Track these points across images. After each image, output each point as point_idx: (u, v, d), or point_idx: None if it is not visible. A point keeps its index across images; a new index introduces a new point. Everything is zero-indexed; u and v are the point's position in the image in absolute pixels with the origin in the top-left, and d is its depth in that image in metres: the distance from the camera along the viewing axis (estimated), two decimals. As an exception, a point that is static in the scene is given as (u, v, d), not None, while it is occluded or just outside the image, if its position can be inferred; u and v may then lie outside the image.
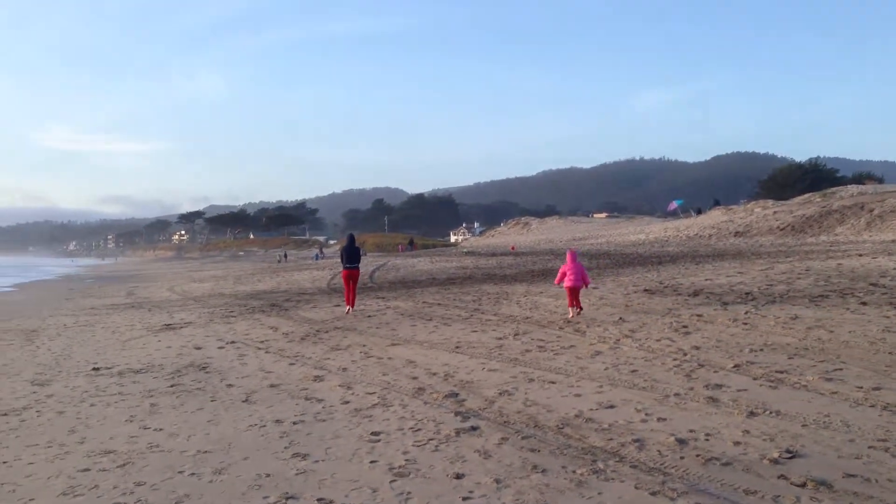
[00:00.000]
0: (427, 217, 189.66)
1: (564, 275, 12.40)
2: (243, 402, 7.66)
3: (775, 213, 40.47)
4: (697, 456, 5.09)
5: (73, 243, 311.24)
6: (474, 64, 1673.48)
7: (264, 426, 6.60)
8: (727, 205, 65.41)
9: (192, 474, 5.34)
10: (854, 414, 5.88)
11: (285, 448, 5.88)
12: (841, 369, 7.37)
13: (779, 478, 4.63)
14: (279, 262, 64.92)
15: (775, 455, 5.00)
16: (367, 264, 34.65)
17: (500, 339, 10.70)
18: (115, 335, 13.92)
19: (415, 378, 8.30)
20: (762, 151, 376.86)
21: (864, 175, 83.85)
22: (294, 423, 6.64)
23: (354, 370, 9.05)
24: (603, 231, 61.77)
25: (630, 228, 59.15)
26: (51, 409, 7.79)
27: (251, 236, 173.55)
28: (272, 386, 8.38)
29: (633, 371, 7.94)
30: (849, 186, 53.28)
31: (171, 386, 8.68)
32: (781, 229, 35.60)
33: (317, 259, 61.37)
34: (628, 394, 6.99)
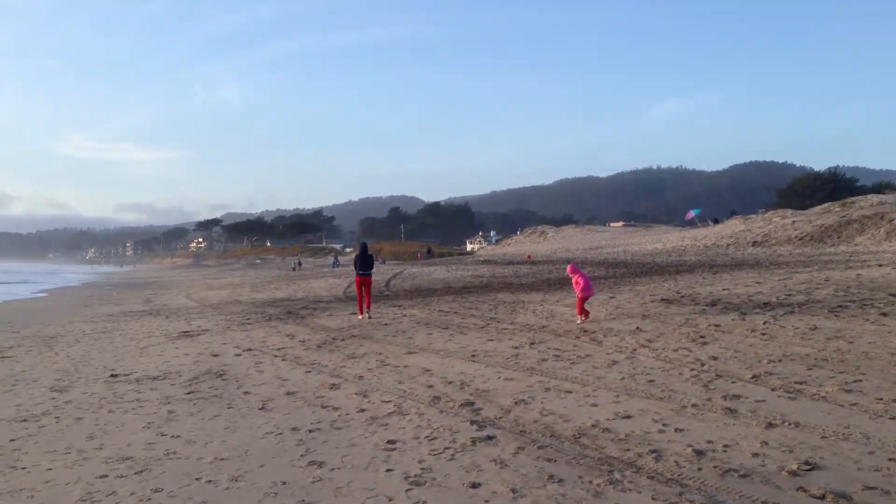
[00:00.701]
0: (443, 225, 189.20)
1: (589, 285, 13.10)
2: (260, 409, 7.70)
3: (794, 222, 40.12)
4: (715, 467, 5.05)
5: (92, 250, 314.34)
6: (492, 73, 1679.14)
7: (281, 434, 6.63)
8: (745, 214, 64.87)
9: (209, 481, 5.37)
10: (874, 426, 5.81)
11: (301, 456, 5.90)
12: (860, 381, 7.28)
13: (798, 490, 4.59)
14: (293, 269, 65.20)
15: (794, 467, 4.96)
16: (383, 273, 34.76)
17: (517, 347, 10.68)
18: (133, 342, 14.05)
19: (431, 386, 8.30)
20: (780, 160, 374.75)
21: (884, 184, 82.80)
22: (310, 431, 6.66)
23: (370, 378, 9.07)
24: (620, 240, 61.57)
25: (647, 238, 58.90)
26: (69, 415, 7.86)
27: (268, 244, 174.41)
28: (289, 393, 8.42)
29: (650, 381, 7.89)
30: (868, 196, 52.52)
31: (189, 393, 8.74)
32: (800, 239, 35.28)
33: (334, 267, 61.58)
34: (645, 404, 6.95)
